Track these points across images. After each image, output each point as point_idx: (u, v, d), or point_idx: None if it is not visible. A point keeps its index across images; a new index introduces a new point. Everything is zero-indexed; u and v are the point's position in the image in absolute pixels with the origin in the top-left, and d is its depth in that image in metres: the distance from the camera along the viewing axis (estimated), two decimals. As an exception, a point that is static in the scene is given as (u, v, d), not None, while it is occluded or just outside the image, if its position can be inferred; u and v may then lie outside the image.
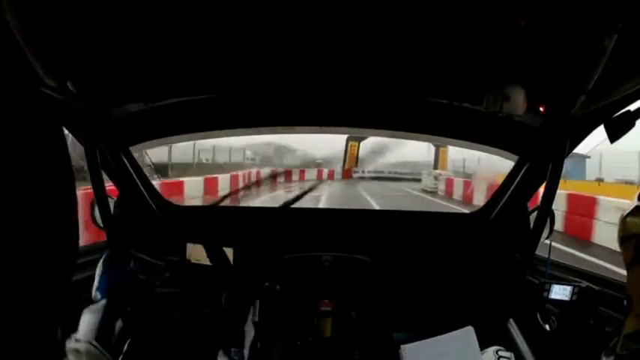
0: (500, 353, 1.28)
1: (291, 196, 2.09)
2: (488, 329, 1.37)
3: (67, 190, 0.35)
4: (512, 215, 1.67)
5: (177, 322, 1.43)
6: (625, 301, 0.87)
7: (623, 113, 1.08)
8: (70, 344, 1.11)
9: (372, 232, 1.71)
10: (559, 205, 7.75)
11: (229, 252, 1.55)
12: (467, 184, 12.78)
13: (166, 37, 0.96)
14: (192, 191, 9.02)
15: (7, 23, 0.69)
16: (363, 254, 1.62)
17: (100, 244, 1.56)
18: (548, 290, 1.34)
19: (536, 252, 1.53)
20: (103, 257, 1.39)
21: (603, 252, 5.63)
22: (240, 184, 12.50)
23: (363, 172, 22.56)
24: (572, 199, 7.88)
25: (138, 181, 1.63)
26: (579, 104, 1.04)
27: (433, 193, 15.39)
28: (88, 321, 1.20)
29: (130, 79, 1.15)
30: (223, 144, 16.98)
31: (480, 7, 0.85)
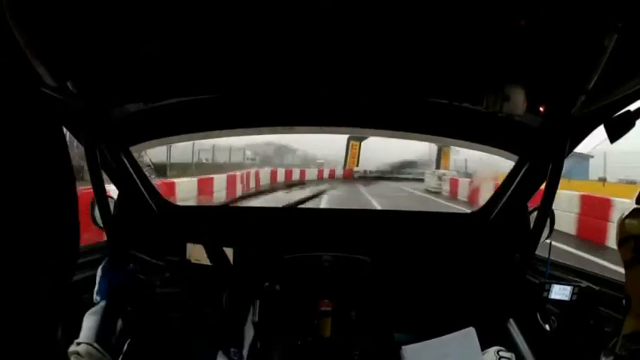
0: (501, 354, 1.28)
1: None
2: (488, 329, 1.37)
3: (67, 190, 0.35)
4: (512, 215, 1.67)
5: (177, 322, 1.43)
6: (624, 301, 0.87)
7: (623, 113, 1.08)
8: (71, 347, 1.11)
9: (372, 232, 1.71)
10: (572, 207, 7.57)
11: (229, 252, 1.55)
12: (473, 185, 12.36)
13: (166, 37, 0.96)
14: (184, 193, 8.33)
15: (7, 23, 0.69)
16: (363, 254, 1.62)
17: (100, 244, 1.56)
18: (548, 290, 1.34)
19: (537, 252, 1.53)
20: (103, 263, 1.39)
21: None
22: (238, 186, 12.04)
23: (365, 171, 22.45)
24: (585, 200, 7.60)
25: (138, 181, 1.63)
26: (579, 104, 1.04)
27: (437, 193, 15.03)
28: (88, 323, 1.20)
29: (130, 79, 1.15)
30: (223, 144, 16.89)
31: (480, 8, 0.85)
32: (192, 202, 8.28)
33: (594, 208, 7.31)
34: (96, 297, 1.33)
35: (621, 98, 1.00)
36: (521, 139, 1.51)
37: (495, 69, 1.07)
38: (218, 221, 1.80)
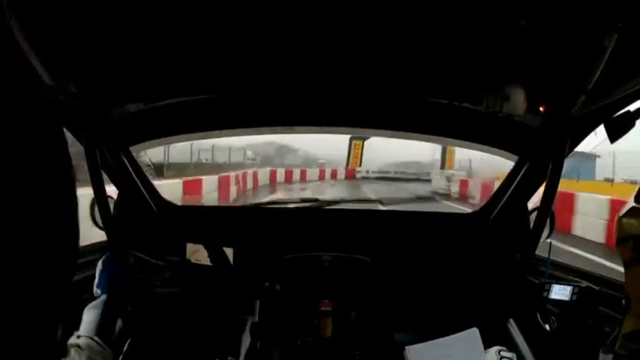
0: (502, 354, 1.27)
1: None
2: (489, 329, 1.37)
3: (67, 190, 0.35)
4: (512, 215, 1.67)
5: (177, 322, 1.43)
6: (623, 301, 0.87)
7: (623, 113, 1.08)
8: (71, 340, 1.11)
9: (372, 232, 1.71)
10: (602, 214, 7.20)
11: (229, 252, 1.55)
12: (486, 187, 10.74)
13: (166, 37, 0.96)
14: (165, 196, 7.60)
15: (7, 23, 0.69)
16: (364, 254, 1.62)
17: (99, 244, 1.56)
18: (548, 290, 1.34)
19: (537, 252, 1.53)
20: (104, 257, 1.39)
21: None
22: (232, 187, 11.25)
23: (367, 172, 22.22)
24: (615, 206, 6.92)
25: (138, 181, 1.64)
26: (579, 104, 1.04)
27: (446, 195, 13.94)
28: (88, 317, 1.20)
29: (130, 79, 1.15)
30: (223, 144, 16.81)
31: (480, 8, 0.85)
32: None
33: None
34: (96, 290, 1.32)
35: (621, 98, 1.00)
36: (521, 139, 1.51)
37: (495, 69, 1.07)
38: (218, 221, 1.80)
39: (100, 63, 1.03)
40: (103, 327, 1.20)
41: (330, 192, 14.39)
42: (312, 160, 26.04)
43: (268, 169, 17.87)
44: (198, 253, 1.53)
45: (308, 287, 1.59)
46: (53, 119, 0.35)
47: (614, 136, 1.10)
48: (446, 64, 1.09)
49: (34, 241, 0.31)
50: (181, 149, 13.11)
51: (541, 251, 1.52)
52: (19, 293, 0.31)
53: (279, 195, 12.25)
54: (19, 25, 0.72)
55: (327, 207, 1.93)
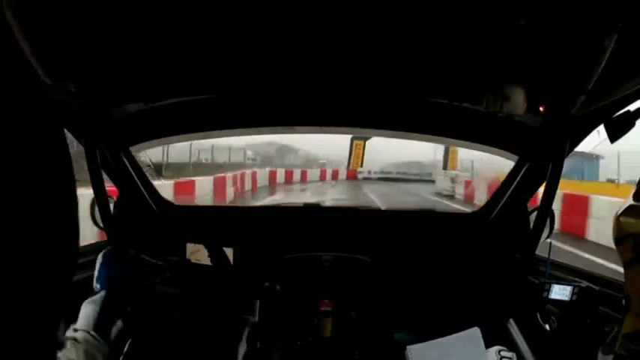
0: (502, 353, 1.28)
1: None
2: (488, 329, 1.37)
3: (67, 190, 0.35)
4: (512, 215, 1.67)
5: (177, 322, 1.43)
6: (623, 301, 0.87)
7: (623, 113, 1.08)
8: (68, 333, 1.11)
9: (372, 231, 1.71)
10: None
11: (229, 252, 1.55)
12: (492, 189, 10.43)
13: (166, 37, 0.96)
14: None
15: (7, 23, 0.69)
16: (364, 254, 1.62)
17: (100, 243, 1.56)
18: (548, 290, 1.34)
19: (537, 252, 1.53)
20: (104, 250, 1.38)
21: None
22: (229, 189, 10.85)
23: (369, 172, 22.12)
24: None
25: (138, 181, 1.63)
26: (579, 104, 1.04)
27: (450, 197, 13.76)
28: (86, 311, 1.20)
29: (130, 79, 1.15)
30: (223, 144, 16.72)
31: (480, 8, 0.85)
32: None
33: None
34: (95, 284, 1.32)
35: (621, 98, 1.00)
36: (521, 139, 1.51)
37: (495, 69, 1.07)
38: (218, 221, 1.80)
39: (100, 63, 1.03)
40: (100, 322, 1.20)
41: (331, 193, 14.27)
42: (313, 161, 26.00)
43: (268, 169, 17.76)
44: (198, 253, 1.53)
45: (308, 287, 1.59)
46: (53, 119, 0.35)
47: (614, 136, 1.10)
48: (446, 64, 1.09)
49: (34, 241, 0.31)
50: (180, 149, 12.89)
51: (541, 251, 1.52)
52: (19, 293, 0.31)
53: (277, 197, 12.10)
54: (19, 25, 0.72)
55: (327, 207, 1.93)
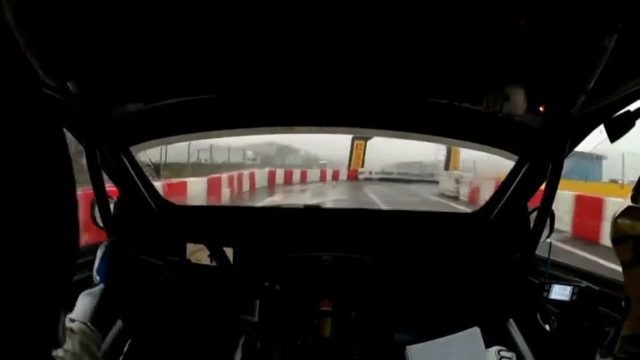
0: (502, 353, 1.28)
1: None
2: (488, 329, 1.37)
3: (67, 190, 0.35)
4: (512, 215, 1.67)
5: (177, 322, 1.43)
6: (623, 303, 0.87)
7: (623, 113, 1.08)
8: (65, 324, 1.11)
9: (372, 232, 1.71)
10: None
11: (229, 252, 1.55)
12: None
13: (166, 37, 0.96)
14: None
15: (7, 23, 0.69)
16: (364, 254, 1.62)
17: (99, 244, 1.56)
18: (548, 290, 1.34)
19: (537, 252, 1.53)
20: (106, 243, 1.38)
21: None
22: (224, 190, 10.47)
23: (370, 172, 21.99)
24: None
25: (138, 181, 1.64)
26: (579, 104, 1.04)
27: (455, 198, 13.53)
28: (83, 302, 1.20)
29: (130, 79, 1.16)
30: (222, 144, 16.66)
31: (480, 8, 0.85)
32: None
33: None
34: (95, 276, 1.32)
35: (621, 98, 1.00)
36: (521, 139, 1.51)
37: (495, 69, 1.07)
38: (218, 221, 1.80)
39: (100, 63, 1.03)
40: (97, 315, 1.20)
41: (331, 194, 14.18)
42: (313, 161, 25.97)
43: (267, 169, 17.66)
44: (198, 253, 1.53)
45: (308, 287, 1.59)
46: (53, 119, 0.35)
47: (614, 136, 1.10)
48: (446, 64, 1.09)
49: (34, 241, 0.31)
50: (179, 149, 12.68)
51: (541, 251, 1.52)
52: (19, 293, 0.31)
53: (276, 198, 11.99)
54: (19, 25, 0.72)
55: (327, 208, 1.93)
